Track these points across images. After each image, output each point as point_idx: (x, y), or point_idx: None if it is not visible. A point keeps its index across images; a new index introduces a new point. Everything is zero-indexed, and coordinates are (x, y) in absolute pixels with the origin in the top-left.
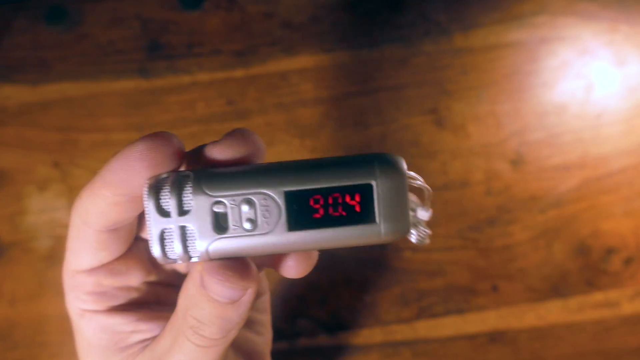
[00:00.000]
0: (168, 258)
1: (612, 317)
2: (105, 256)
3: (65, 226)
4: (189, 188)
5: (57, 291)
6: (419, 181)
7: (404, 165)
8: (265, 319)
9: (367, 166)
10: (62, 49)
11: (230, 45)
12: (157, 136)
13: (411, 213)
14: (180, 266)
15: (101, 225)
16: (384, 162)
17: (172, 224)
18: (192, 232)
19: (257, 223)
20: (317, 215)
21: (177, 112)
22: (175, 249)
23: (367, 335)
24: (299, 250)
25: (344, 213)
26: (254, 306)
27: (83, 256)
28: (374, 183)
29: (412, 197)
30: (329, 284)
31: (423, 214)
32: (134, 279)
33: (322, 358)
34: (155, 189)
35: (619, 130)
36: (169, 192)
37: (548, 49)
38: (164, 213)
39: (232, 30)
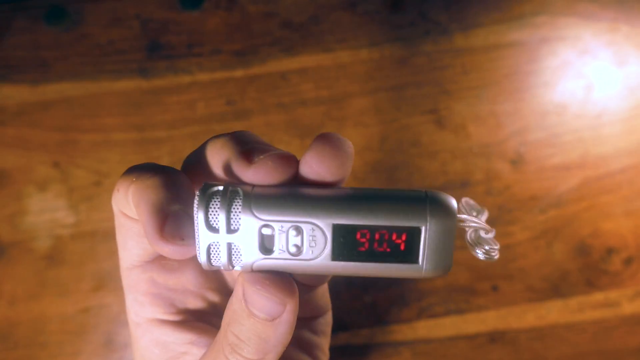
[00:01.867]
0: (212, 265)
1: (612, 317)
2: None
3: (65, 226)
4: (238, 206)
5: (57, 291)
6: (475, 222)
7: (455, 207)
8: (324, 342)
9: (419, 207)
10: (62, 49)
11: (230, 45)
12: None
13: (474, 234)
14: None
15: (135, 216)
16: (435, 204)
17: (220, 239)
18: (238, 249)
19: (302, 250)
20: (362, 249)
21: (177, 112)
22: (221, 259)
23: (367, 335)
24: (339, 275)
25: (388, 249)
26: (311, 328)
27: (130, 248)
28: (423, 228)
29: (472, 217)
30: (329, 284)
31: (486, 235)
32: (189, 278)
33: None
34: (205, 203)
35: (619, 130)
36: (218, 208)
37: (548, 49)
38: (213, 229)
39: (232, 30)
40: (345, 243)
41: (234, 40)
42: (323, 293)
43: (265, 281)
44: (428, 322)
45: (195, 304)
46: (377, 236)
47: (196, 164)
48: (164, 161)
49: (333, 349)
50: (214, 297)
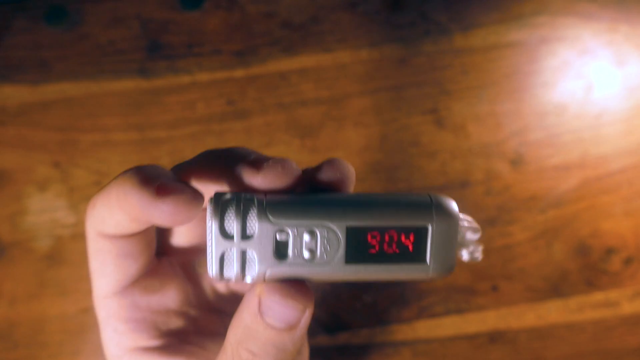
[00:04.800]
0: (223, 277)
1: (612, 317)
2: (131, 266)
3: (65, 226)
4: (253, 213)
5: (57, 291)
6: (467, 221)
7: (457, 210)
8: (304, 349)
9: (425, 209)
10: (62, 49)
11: (230, 45)
12: (184, 199)
13: (460, 236)
14: (220, 287)
15: (118, 231)
16: (440, 207)
17: (234, 247)
18: (253, 257)
19: (316, 254)
20: (373, 251)
21: (177, 112)
22: (233, 270)
23: (367, 335)
24: (351, 281)
25: (397, 250)
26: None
27: (108, 274)
28: (429, 227)
29: (462, 221)
30: (329, 283)
31: (472, 236)
32: (171, 297)
33: (322, 358)
34: (221, 210)
35: (619, 130)
36: (234, 215)
37: (548, 49)
38: (227, 236)
39: (232, 30)
40: (358, 245)
41: (234, 40)
42: None
43: (286, 289)
44: (428, 322)
45: (177, 323)
46: (386, 237)
47: (187, 171)
48: (164, 161)
49: (333, 349)
50: (194, 313)
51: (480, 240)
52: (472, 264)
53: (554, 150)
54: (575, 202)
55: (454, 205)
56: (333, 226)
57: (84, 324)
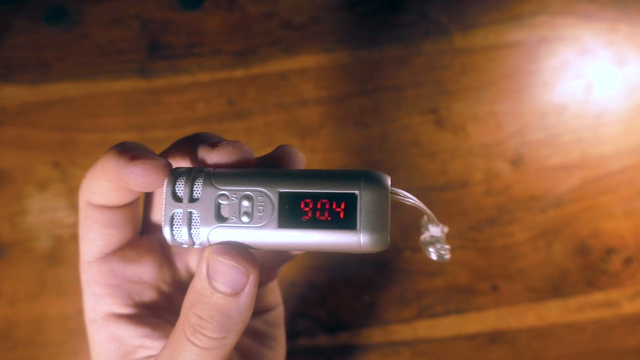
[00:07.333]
0: (175, 240)
1: (612, 317)
2: (113, 235)
3: (65, 226)
4: (200, 180)
5: (57, 291)
6: (411, 199)
7: (388, 182)
8: (278, 333)
9: (355, 179)
10: (62, 49)
11: (230, 45)
12: (153, 164)
13: (426, 233)
14: (194, 264)
15: (103, 201)
16: (369, 177)
17: (182, 208)
18: (197, 218)
19: (252, 216)
20: (306, 217)
21: (177, 112)
22: (182, 232)
23: (367, 335)
24: (287, 249)
25: (329, 218)
26: (264, 320)
27: (92, 240)
28: (357, 193)
29: (423, 218)
30: (329, 284)
31: (435, 230)
32: (147, 270)
33: (322, 358)
34: (174, 178)
35: (619, 130)
36: (184, 182)
37: (548, 49)
38: (177, 198)
39: (232, 30)
40: (291, 210)
41: (234, 40)
42: (273, 289)
43: (230, 251)
44: (428, 322)
45: (150, 296)
46: (319, 205)
47: (162, 154)
48: None
49: (333, 349)
50: (168, 291)
51: (446, 238)
52: (472, 264)
53: (554, 150)
54: (575, 202)
55: (383, 176)
56: (267, 191)
57: (84, 324)
